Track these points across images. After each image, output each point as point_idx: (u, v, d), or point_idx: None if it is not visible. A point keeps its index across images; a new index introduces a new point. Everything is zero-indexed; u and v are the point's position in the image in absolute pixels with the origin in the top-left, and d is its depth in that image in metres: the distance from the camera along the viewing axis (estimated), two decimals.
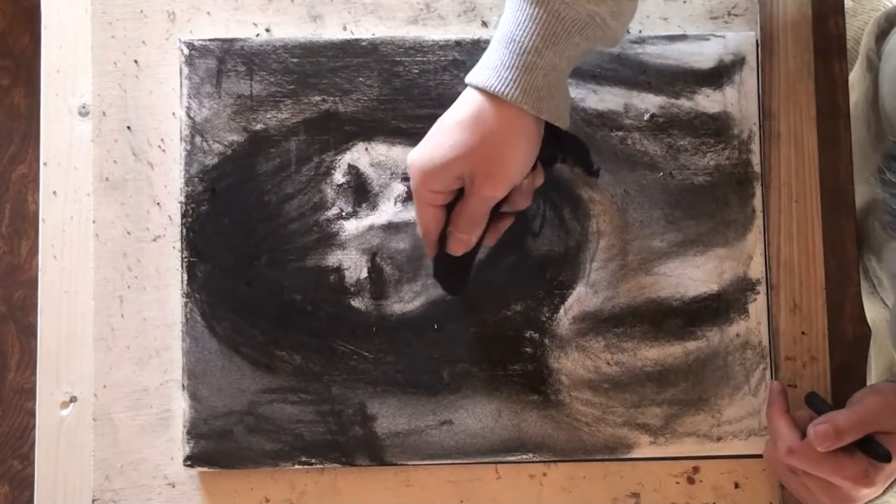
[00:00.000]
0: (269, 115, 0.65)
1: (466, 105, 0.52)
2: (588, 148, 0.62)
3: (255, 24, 0.67)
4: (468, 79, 0.53)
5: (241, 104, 0.65)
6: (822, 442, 0.55)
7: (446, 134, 0.52)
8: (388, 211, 0.64)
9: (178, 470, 0.64)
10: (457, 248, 0.56)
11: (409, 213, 0.64)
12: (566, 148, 0.59)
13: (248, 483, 0.64)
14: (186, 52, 0.65)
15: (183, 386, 0.63)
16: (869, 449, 0.56)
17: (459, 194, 0.54)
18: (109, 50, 0.66)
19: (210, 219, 0.64)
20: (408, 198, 0.64)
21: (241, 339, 0.64)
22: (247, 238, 0.64)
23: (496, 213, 0.57)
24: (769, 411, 0.62)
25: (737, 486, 0.65)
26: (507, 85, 0.51)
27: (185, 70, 0.65)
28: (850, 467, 0.56)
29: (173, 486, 0.65)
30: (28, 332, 1.52)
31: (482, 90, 0.52)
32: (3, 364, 1.52)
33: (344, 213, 0.64)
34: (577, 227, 0.65)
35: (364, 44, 0.65)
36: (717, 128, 0.65)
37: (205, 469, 0.64)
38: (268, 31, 0.67)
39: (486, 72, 0.51)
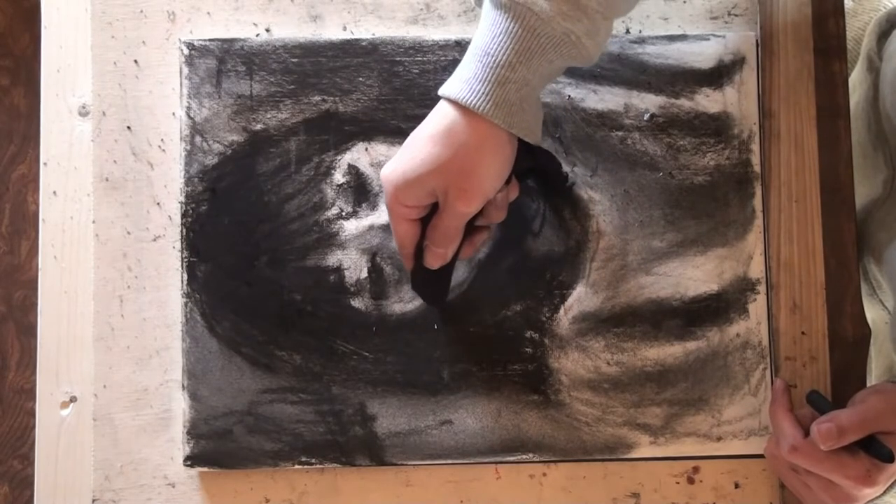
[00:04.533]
0: (269, 115, 0.65)
1: (439, 118, 0.52)
2: (560, 162, 0.62)
3: (255, 24, 0.67)
4: (441, 91, 0.52)
5: (241, 104, 0.65)
6: (825, 440, 0.55)
7: (418, 148, 0.52)
8: None
9: (178, 470, 0.64)
10: (433, 261, 0.56)
11: None
12: (540, 162, 0.59)
13: (248, 483, 0.64)
14: (186, 52, 0.65)
15: (183, 386, 0.63)
16: (872, 449, 0.56)
17: (434, 208, 0.54)
18: (109, 50, 0.66)
19: (210, 219, 0.64)
20: None
21: (241, 339, 0.64)
22: (247, 238, 0.64)
23: (472, 227, 0.56)
24: (772, 409, 0.62)
25: (737, 486, 0.65)
26: (479, 98, 0.50)
27: (185, 70, 0.65)
28: (852, 466, 0.56)
29: (173, 486, 0.65)
30: (28, 332, 1.52)
31: (454, 102, 0.51)
32: (3, 364, 1.52)
33: (344, 213, 0.64)
34: (577, 227, 0.65)
35: (364, 44, 0.65)
36: (717, 128, 0.65)
37: (205, 469, 0.64)
38: (268, 31, 0.67)
39: (459, 84, 0.51)
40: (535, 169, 0.60)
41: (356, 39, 0.65)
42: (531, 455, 0.64)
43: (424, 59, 0.65)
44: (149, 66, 0.66)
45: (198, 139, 0.65)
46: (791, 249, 0.65)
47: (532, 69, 0.51)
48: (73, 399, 0.66)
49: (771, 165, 0.65)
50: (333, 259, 0.64)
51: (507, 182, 0.55)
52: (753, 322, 0.64)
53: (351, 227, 0.64)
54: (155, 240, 0.66)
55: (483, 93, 0.50)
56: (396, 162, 0.53)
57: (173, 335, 0.65)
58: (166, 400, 0.65)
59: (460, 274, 0.63)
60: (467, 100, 0.50)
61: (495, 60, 0.50)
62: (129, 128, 0.66)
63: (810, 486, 0.58)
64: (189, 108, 0.65)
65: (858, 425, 0.56)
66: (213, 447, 0.63)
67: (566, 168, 0.64)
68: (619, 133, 0.65)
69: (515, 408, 0.64)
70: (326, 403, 0.63)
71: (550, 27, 0.49)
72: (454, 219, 0.53)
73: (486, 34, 0.51)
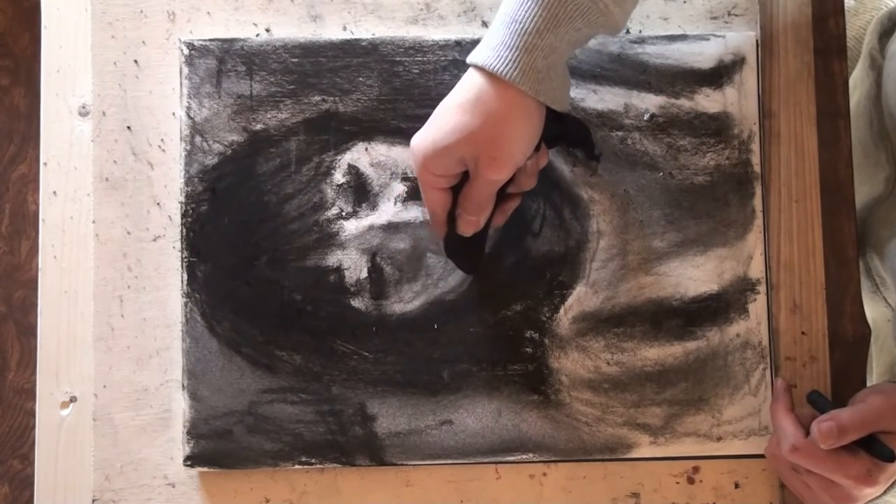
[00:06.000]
0: (269, 115, 0.65)
1: (467, 87, 0.52)
2: (590, 130, 0.62)
3: (255, 24, 0.67)
4: (469, 58, 0.52)
5: (241, 104, 0.65)
6: (825, 439, 0.55)
7: (448, 117, 0.52)
8: (388, 211, 0.64)
9: (178, 470, 0.64)
10: (466, 229, 0.56)
11: (409, 213, 0.64)
12: (569, 129, 0.59)
13: (248, 483, 0.64)
14: (186, 52, 0.65)
15: (183, 386, 0.63)
16: (873, 448, 0.56)
17: (465, 176, 0.54)
18: (109, 50, 0.66)
19: (210, 219, 0.64)
20: (408, 198, 0.64)
21: (241, 339, 0.64)
22: (247, 238, 0.64)
23: (502, 194, 0.57)
24: (773, 408, 0.62)
25: (737, 486, 0.65)
26: (507, 64, 0.50)
27: (185, 70, 0.65)
28: (853, 466, 0.56)
29: (173, 486, 0.65)
30: (28, 332, 1.52)
31: (482, 69, 0.52)
32: (3, 364, 1.52)
33: (344, 213, 0.64)
34: (577, 227, 0.65)
35: (364, 44, 0.65)
36: (717, 128, 0.65)
37: (205, 469, 0.64)
38: (268, 31, 0.67)
39: (486, 51, 0.51)
40: (564, 136, 0.60)
41: (356, 39, 0.65)
42: (531, 455, 0.63)
43: (424, 59, 0.65)
44: (149, 66, 0.66)
45: (198, 139, 0.64)
46: (791, 249, 0.65)
47: (559, 36, 0.51)
48: (73, 399, 0.66)
49: (771, 165, 0.65)
50: (333, 259, 0.64)
51: (537, 149, 0.55)
52: (753, 322, 0.64)
53: (351, 227, 0.64)
54: (155, 240, 0.66)
55: (510, 59, 0.50)
56: (426, 132, 0.53)
57: (173, 335, 0.65)
58: (166, 400, 0.65)
59: (460, 273, 0.63)
60: (495, 66, 0.51)
61: (523, 27, 0.50)
62: (129, 128, 0.66)
63: (811, 486, 0.58)
64: (189, 108, 0.65)
65: (859, 424, 0.56)
66: (213, 447, 0.63)
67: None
68: (619, 133, 0.65)
69: (515, 408, 0.64)
70: (326, 403, 0.63)
71: None
72: (485, 186, 0.54)
73: (513, 1, 0.51)
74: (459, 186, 0.55)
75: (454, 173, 0.54)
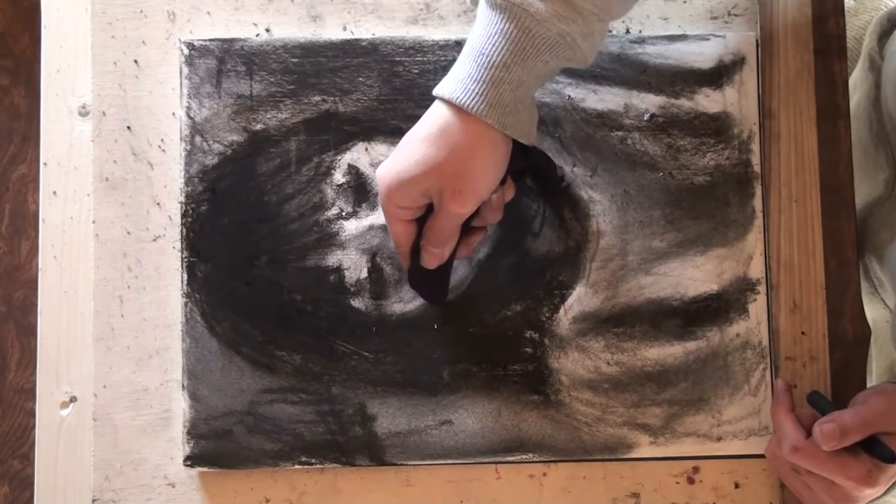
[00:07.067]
0: (269, 115, 0.65)
1: (433, 119, 0.52)
2: (555, 163, 0.62)
3: (255, 24, 0.67)
4: (436, 90, 0.52)
5: (241, 104, 0.65)
6: (827, 441, 0.55)
7: (413, 149, 0.52)
8: None
9: (178, 470, 0.64)
10: (430, 261, 0.56)
11: None
12: (534, 162, 0.59)
13: (248, 483, 0.64)
14: (186, 52, 0.65)
15: (183, 386, 0.63)
16: (874, 449, 0.56)
17: (431, 207, 0.54)
18: (109, 50, 0.66)
19: (210, 219, 0.64)
20: None
21: (241, 339, 0.64)
22: (247, 238, 0.64)
23: (467, 227, 0.56)
24: (774, 409, 0.62)
25: (737, 486, 0.65)
26: (473, 98, 0.50)
27: (185, 70, 0.65)
28: (853, 467, 0.56)
29: (173, 486, 0.65)
30: (28, 332, 1.52)
31: (448, 102, 0.51)
32: (3, 364, 1.52)
33: (344, 213, 0.64)
34: (577, 227, 0.65)
35: (364, 44, 0.65)
36: (717, 128, 0.65)
37: (205, 469, 0.64)
38: (268, 31, 0.67)
39: (453, 84, 0.51)
40: (530, 169, 0.60)
41: (356, 39, 0.65)
42: (531, 455, 0.63)
43: (424, 59, 0.65)
44: (149, 66, 0.66)
45: (198, 139, 0.64)
46: (791, 249, 0.65)
47: (527, 70, 0.51)
48: (73, 399, 0.66)
49: (771, 165, 0.65)
50: (333, 259, 0.64)
51: (503, 183, 0.55)
52: (753, 322, 0.64)
53: (351, 227, 0.64)
54: (155, 240, 0.66)
55: (477, 93, 0.50)
56: (391, 163, 0.53)
57: (173, 335, 0.65)
58: (166, 400, 0.65)
59: (460, 273, 0.63)
60: (461, 100, 0.50)
61: (490, 61, 0.50)
62: (129, 128, 0.66)
63: (811, 487, 0.58)
64: (189, 108, 0.65)
65: (860, 426, 0.56)
66: (213, 447, 0.63)
67: (564, 168, 0.64)
68: (619, 133, 0.65)
69: (515, 408, 0.64)
70: (326, 403, 0.63)
71: (545, 28, 0.49)
72: (449, 220, 0.53)
73: (481, 34, 0.51)
74: (425, 218, 0.55)
75: (419, 205, 0.53)
